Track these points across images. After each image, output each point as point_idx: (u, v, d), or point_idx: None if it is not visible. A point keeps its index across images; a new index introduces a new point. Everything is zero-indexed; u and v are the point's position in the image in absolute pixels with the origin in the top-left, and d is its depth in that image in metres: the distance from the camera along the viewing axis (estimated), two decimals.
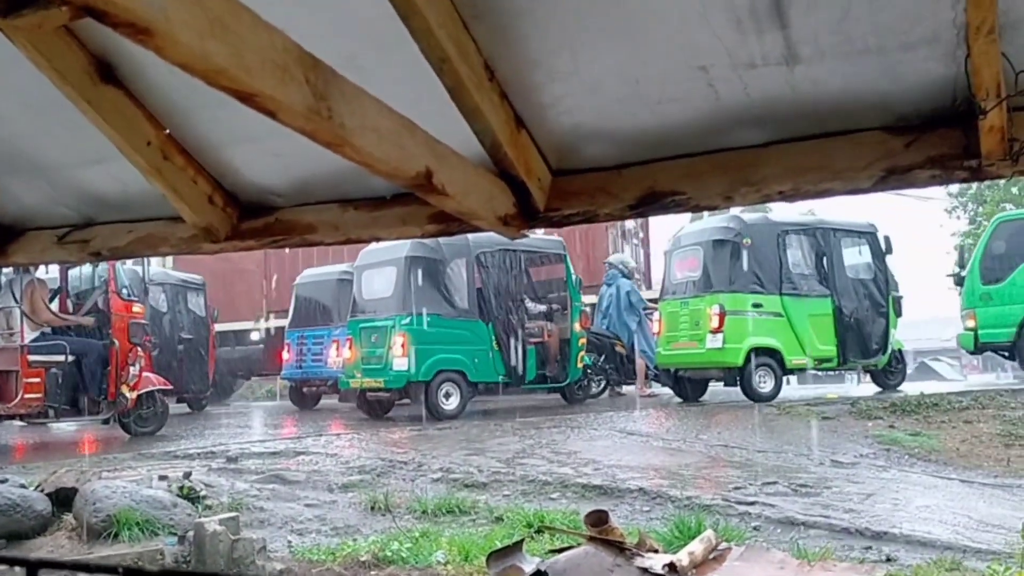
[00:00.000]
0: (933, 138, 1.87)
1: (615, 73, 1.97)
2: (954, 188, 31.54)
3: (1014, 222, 14.21)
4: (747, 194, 2.02)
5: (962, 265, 14.46)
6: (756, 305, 12.29)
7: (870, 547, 5.67)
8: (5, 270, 10.49)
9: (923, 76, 1.83)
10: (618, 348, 14.87)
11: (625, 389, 15.75)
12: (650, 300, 15.35)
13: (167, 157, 2.32)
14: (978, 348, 13.95)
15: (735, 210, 12.92)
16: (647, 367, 14.79)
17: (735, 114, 1.99)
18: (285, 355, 16.01)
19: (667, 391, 14.72)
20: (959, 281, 14.28)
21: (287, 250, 17.53)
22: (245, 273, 19.24)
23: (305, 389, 16.25)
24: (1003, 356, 14.31)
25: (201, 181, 2.41)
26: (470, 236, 12.85)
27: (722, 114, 1.99)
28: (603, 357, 14.76)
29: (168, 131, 2.31)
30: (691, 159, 2.08)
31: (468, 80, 1.86)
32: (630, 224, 18.11)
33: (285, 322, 16.88)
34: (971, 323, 13.59)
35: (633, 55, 1.92)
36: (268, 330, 19.25)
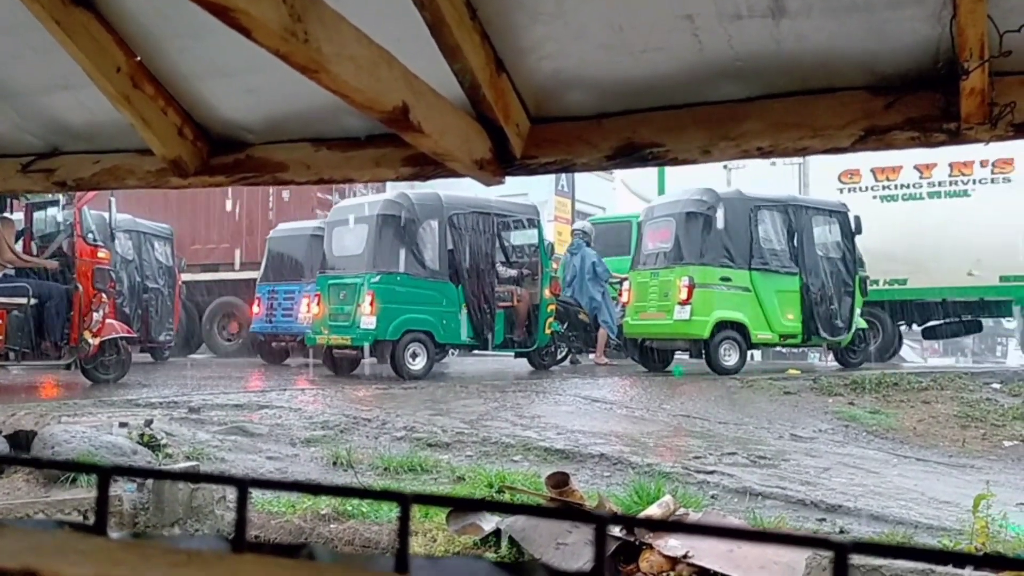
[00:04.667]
0: (913, 99, 1.86)
1: (600, 18, 1.93)
2: None
3: None
4: (726, 149, 2.00)
5: None
6: (725, 279, 12.35)
7: (824, 519, 5.76)
8: None
9: (908, 36, 1.82)
10: (581, 316, 14.94)
11: (581, 358, 15.85)
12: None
13: (137, 85, 2.26)
14: None
15: (711, 183, 12.98)
16: (608, 337, 14.88)
17: (718, 67, 1.96)
18: (255, 309, 15.86)
19: (623, 361, 14.82)
20: None
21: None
22: None
23: (274, 344, 16.12)
24: None
25: (171, 112, 2.35)
26: (443, 197, 12.77)
27: (705, 66, 1.97)
28: (566, 325, 14.82)
29: (139, 58, 2.25)
30: (671, 111, 2.06)
31: (449, 16, 1.82)
32: None
33: None
34: None
35: (620, 0, 1.89)
36: None
